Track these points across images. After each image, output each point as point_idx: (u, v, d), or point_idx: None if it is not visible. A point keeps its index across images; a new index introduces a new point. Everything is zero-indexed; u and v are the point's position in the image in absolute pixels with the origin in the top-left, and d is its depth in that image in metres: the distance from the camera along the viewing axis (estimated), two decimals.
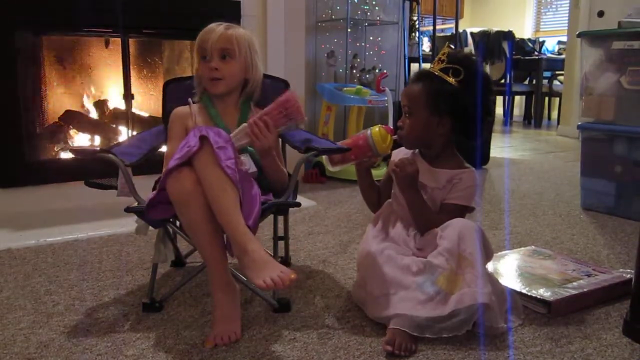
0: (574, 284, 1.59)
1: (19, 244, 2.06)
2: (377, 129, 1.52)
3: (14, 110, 2.43)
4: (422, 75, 1.50)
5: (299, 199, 1.64)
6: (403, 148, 1.58)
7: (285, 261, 1.86)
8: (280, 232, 1.76)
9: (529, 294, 1.52)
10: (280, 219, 1.76)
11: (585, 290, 1.55)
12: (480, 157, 3.74)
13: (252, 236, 1.28)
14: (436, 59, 1.49)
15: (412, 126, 1.48)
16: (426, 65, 4.44)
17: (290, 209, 1.67)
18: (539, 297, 1.50)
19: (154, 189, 1.54)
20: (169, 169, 1.31)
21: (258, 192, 1.41)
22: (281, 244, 1.81)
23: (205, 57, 1.57)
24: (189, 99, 1.65)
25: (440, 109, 1.45)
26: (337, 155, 1.57)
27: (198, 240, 1.35)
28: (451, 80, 1.44)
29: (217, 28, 1.57)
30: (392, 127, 1.52)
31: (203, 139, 1.31)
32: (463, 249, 1.34)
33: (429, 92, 1.45)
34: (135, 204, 1.45)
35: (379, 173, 3.19)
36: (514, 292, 1.51)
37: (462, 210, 1.49)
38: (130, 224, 1.53)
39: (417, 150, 1.56)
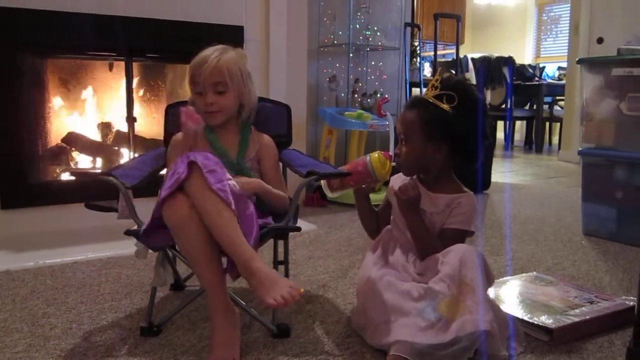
0: (576, 311, 1.57)
1: (18, 265, 2.05)
2: (376, 155, 1.52)
3: (17, 132, 2.44)
4: (416, 102, 1.51)
5: (300, 222, 1.64)
6: (401, 174, 1.58)
7: None
8: (280, 257, 1.75)
9: (530, 321, 1.51)
10: (281, 243, 1.75)
11: (587, 317, 1.53)
12: (480, 181, 3.74)
13: (255, 255, 1.29)
14: (429, 85, 1.50)
15: (409, 153, 1.49)
16: None
17: (291, 233, 1.66)
18: (540, 324, 1.48)
19: None
20: (161, 199, 1.31)
21: (254, 212, 1.40)
22: (281, 268, 1.80)
23: (199, 92, 1.57)
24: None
25: (436, 136, 1.45)
26: (335, 181, 1.56)
27: (196, 264, 1.34)
28: (445, 107, 1.44)
29: (209, 59, 1.55)
30: (391, 153, 1.52)
31: (191, 165, 1.32)
32: (464, 274, 1.33)
33: (424, 119, 1.45)
34: (136, 226, 1.45)
35: (378, 197, 3.19)
36: (516, 319, 1.50)
37: (462, 235, 1.48)
38: (129, 246, 1.52)
39: (415, 175, 1.56)
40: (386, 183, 1.67)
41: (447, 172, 1.52)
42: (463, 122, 1.44)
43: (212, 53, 1.57)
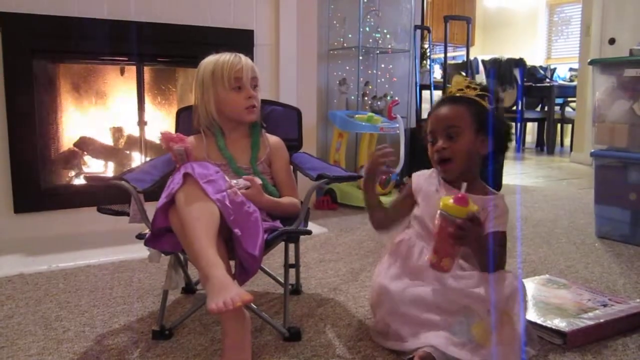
0: (590, 314, 1.56)
1: (31, 269, 2.06)
2: (449, 202, 1.30)
3: (30, 136, 2.47)
4: (457, 98, 1.46)
5: (310, 225, 1.64)
6: (423, 171, 1.55)
7: (296, 289, 1.85)
8: (291, 260, 1.75)
9: (544, 324, 1.50)
10: (292, 246, 1.75)
11: (601, 320, 1.52)
12: (491, 183, 3.71)
13: (216, 262, 1.25)
14: (463, 87, 1.47)
15: (461, 147, 1.43)
16: (437, 93, 4.47)
17: (301, 236, 1.66)
18: (554, 327, 1.47)
19: None
20: (158, 208, 1.33)
21: (259, 218, 1.39)
22: (292, 271, 1.80)
23: (240, 88, 1.61)
24: (201, 129, 1.67)
25: (484, 129, 1.44)
26: (439, 269, 1.35)
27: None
28: (487, 106, 1.45)
29: (241, 58, 1.62)
30: (461, 195, 1.31)
31: (186, 176, 1.33)
32: (510, 307, 1.32)
33: (474, 112, 1.43)
34: (147, 230, 1.46)
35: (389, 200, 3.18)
36: (528, 322, 1.48)
37: (505, 237, 1.47)
38: (141, 250, 1.53)
39: (437, 173, 1.51)
40: (399, 185, 1.64)
41: (477, 172, 1.51)
42: (501, 119, 1.47)
43: (233, 55, 1.62)
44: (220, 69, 1.60)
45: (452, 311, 1.32)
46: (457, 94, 1.47)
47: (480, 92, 1.45)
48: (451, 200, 1.29)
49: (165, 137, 1.50)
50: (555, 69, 7.32)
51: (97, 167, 2.87)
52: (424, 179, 1.53)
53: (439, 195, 1.46)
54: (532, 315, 1.55)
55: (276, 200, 1.60)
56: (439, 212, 1.31)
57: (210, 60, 1.63)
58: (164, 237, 1.39)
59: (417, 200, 1.52)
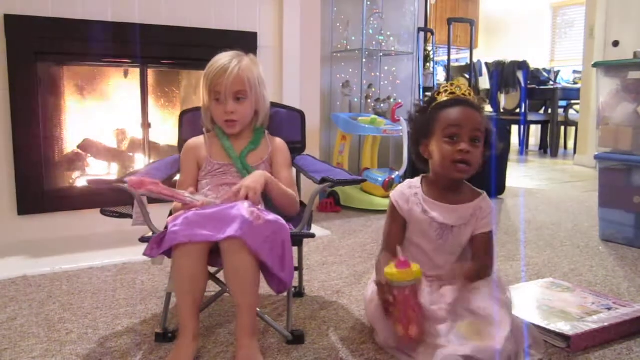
0: (594, 317, 1.55)
1: (35, 270, 2.07)
2: (391, 271, 1.30)
3: (34, 139, 2.47)
4: (476, 105, 1.47)
5: (314, 228, 1.64)
6: (401, 190, 1.55)
7: (299, 292, 1.84)
8: (295, 262, 1.74)
9: (547, 327, 1.49)
10: (295, 249, 1.74)
11: (606, 324, 1.51)
12: (495, 186, 3.71)
13: (187, 328, 1.32)
14: (464, 91, 1.48)
15: (479, 155, 1.45)
16: None
17: (305, 239, 1.66)
18: (558, 331, 1.47)
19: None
20: (173, 221, 1.36)
21: (285, 240, 1.38)
22: (295, 274, 1.80)
23: (219, 100, 1.59)
24: (204, 129, 1.67)
25: (487, 142, 1.49)
26: (408, 339, 1.33)
27: (235, 288, 1.35)
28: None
29: (229, 67, 1.56)
30: (401, 260, 1.31)
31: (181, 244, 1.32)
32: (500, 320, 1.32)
33: (487, 125, 1.47)
34: (150, 233, 1.46)
35: (382, 203, 3.17)
36: (532, 326, 1.48)
37: (491, 235, 1.50)
38: None
39: (419, 189, 1.53)
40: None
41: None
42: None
43: (230, 61, 1.58)
44: (207, 77, 1.58)
45: (442, 320, 1.34)
46: (468, 97, 1.48)
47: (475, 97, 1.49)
48: (395, 269, 1.29)
49: (133, 183, 1.45)
50: (559, 71, 7.31)
51: (100, 169, 2.87)
52: (404, 201, 1.53)
53: (427, 216, 1.48)
54: (535, 318, 1.54)
55: (274, 179, 1.57)
56: (393, 285, 1.30)
57: (213, 60, 1.61)
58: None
59: (407, 220, 1.52)
